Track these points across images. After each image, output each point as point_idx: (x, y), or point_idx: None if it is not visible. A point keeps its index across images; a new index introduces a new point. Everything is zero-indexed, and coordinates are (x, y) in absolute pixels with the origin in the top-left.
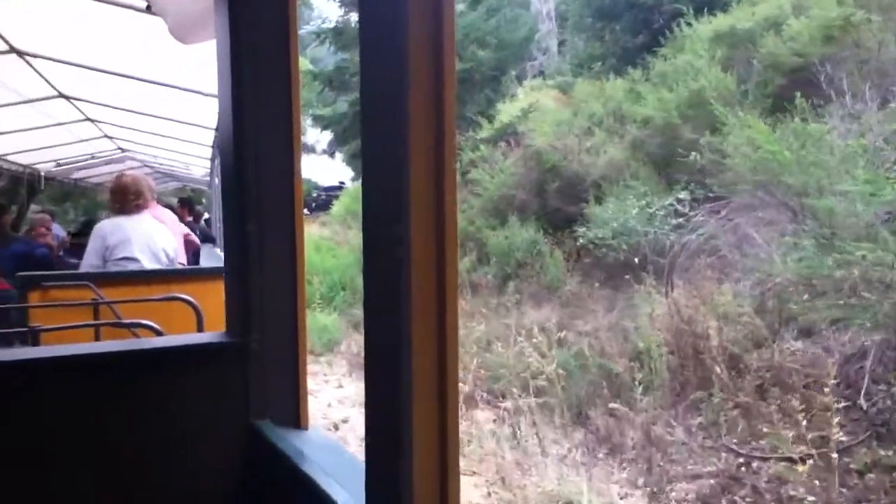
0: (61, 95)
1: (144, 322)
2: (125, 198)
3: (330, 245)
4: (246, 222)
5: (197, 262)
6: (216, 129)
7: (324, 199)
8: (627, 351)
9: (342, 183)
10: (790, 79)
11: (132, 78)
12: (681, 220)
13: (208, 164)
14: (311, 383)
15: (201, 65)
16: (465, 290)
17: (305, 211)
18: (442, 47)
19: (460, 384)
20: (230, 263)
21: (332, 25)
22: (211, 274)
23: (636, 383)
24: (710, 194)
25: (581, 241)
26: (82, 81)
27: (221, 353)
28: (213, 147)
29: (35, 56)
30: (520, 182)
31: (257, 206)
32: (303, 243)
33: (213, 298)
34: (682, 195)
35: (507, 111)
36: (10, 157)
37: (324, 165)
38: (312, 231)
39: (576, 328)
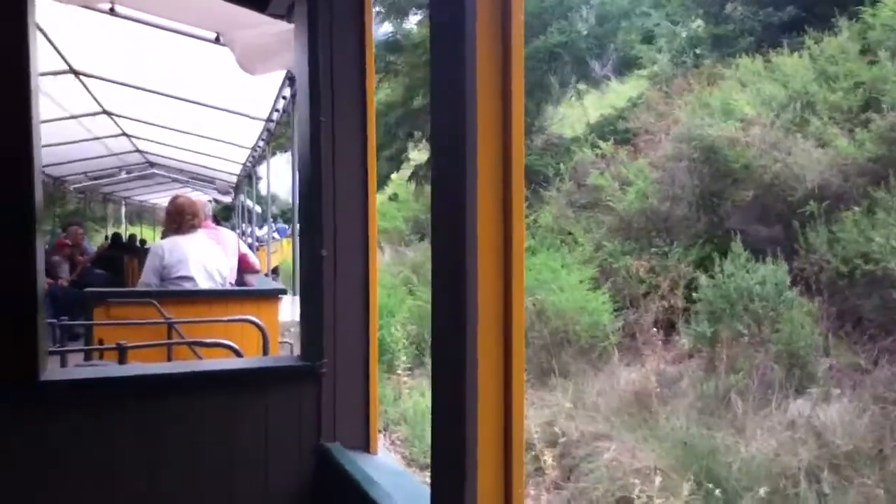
0: (104, 112)
1: (225, 342)
2: (182, 218)
3: (390, 270)
4: (321, 247)
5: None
6: (251, 149)
7: None
8: None
9: None
10: None
11: (176, 98)
12: None
13: (234, 178)
14: None
15: (249, 89)
16: (600, 352)
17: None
18: (510, 62)
19: None
20: (305, 288)
21: None
22: (267, 295)
23: None
24: None
25: None
26: (126, 99)
27: (295, 376)
28: (243, 164)
29: (89, 76)
30: (673, 193)
31: (332, 231)
32: (375, 269)
33: (269, 319)
34: None
35: (601, 103)
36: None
37: None
38: None
39: None
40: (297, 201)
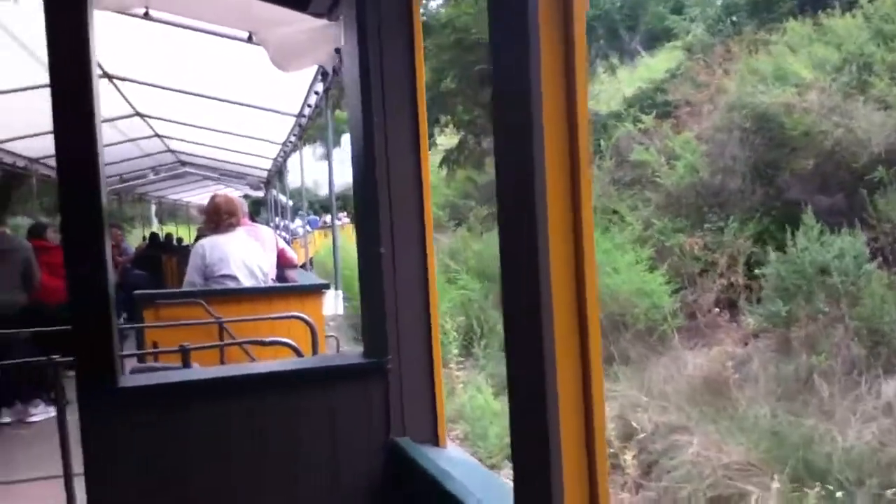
0: (137, 114)
1: (285, 340)
2: (219, 217)
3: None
4: (379, 245)
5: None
6: (282, 144)
7: None
8: None
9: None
10: None
11: (208, 97)
12: None
13: (265, 173)
14: None
15: (279, 85)
16: (659, 335)
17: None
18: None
19: None
20: (365, 286)
21: None
22: (310, 291)
23: None
24: None
25: None
26: (158, 101)
27: (362, 373)
28: (274, 159)
29: (123, 80)
30: (725, 165)
31: (389, 229)
32: (433, 264)
33: (314, 314)
34: None
35: (633, 77)
36: None
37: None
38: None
39: None
40: (333, 193)
